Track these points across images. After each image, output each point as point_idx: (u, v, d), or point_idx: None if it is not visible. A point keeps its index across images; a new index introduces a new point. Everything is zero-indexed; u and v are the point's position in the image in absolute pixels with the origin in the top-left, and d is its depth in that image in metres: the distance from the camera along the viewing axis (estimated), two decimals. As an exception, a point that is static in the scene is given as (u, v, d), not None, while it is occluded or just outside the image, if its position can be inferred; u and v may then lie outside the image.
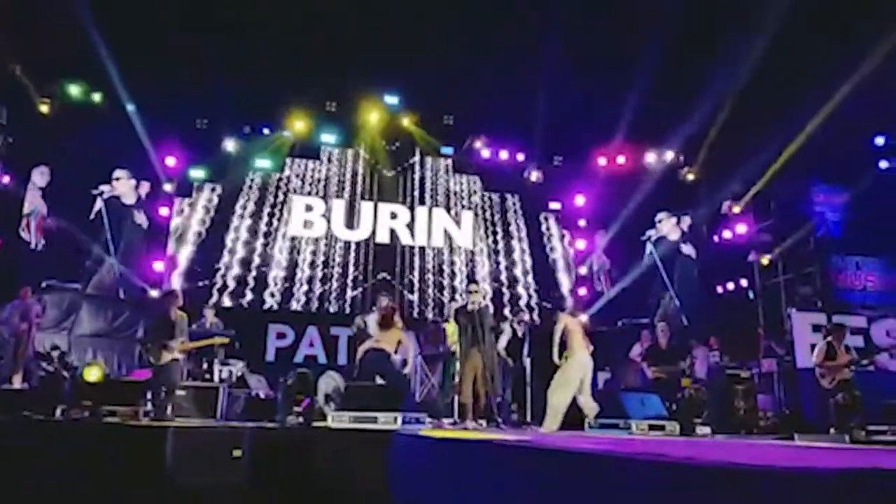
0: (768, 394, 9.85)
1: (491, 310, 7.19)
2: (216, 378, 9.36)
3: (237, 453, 4.67)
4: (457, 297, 14.04)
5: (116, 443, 4.76)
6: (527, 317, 11.76)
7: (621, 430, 5.76)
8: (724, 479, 1.53)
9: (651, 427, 5.81)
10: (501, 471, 3.20)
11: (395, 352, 7.40)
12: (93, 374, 5.86)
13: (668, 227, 15.57)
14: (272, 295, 14.38)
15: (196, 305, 11.03)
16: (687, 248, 15.55)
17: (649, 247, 15.56)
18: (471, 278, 14.29)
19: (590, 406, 6.73)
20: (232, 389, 8.55)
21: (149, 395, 7.43)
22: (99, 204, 13.27)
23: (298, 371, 6.52)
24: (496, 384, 6.78)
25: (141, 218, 13.76)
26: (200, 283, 13.91)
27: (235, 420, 7.66)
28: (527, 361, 8.84)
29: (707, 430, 5.69)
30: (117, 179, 13.46)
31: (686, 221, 15.69)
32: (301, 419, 5.76)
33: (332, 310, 14.43)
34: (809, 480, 1.36)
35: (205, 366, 9.16)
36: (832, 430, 6.83)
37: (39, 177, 13.16)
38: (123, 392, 6.54)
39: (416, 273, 15.23)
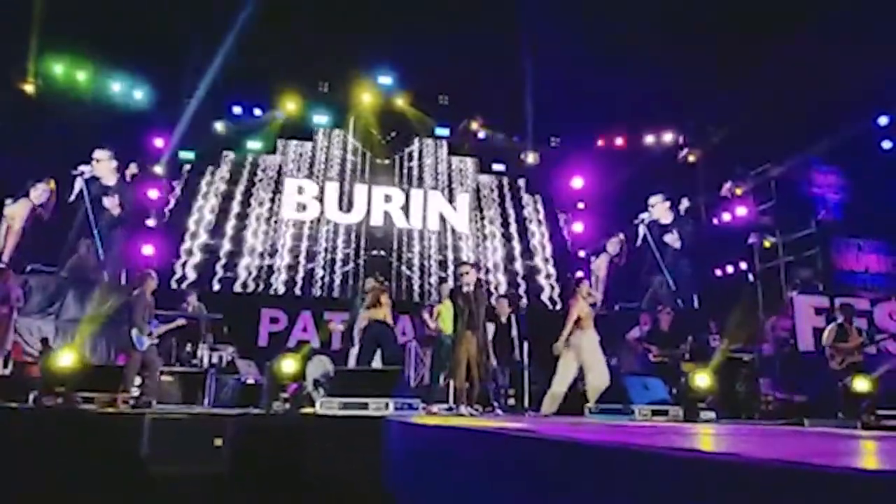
0: (770, 378, 9.66)
1: (485, 291, 6.92)
2: (205, 363, 9.12)
3: (218, 442, 4.43)
4: (449, 278, 13.75)
5: (88, 431, 4.49)
6: (519, 301, 11.49)
7: (623, 415, 5.52)
8: (791, 481, 1.28)
9: (654, 412, 5.56)
10: (499, 460, 2.97)
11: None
12: (63, 360, 5.56)
13: (661, 210, 15.30)
14: (264, 279, 14.13)
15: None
16: (679, 231, 15.29)
17: (642, 230, 15.32)
18: (460, 259, 14.00)
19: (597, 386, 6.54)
20: (220, 375, 8.31)
21: (137, 381, 7.21)
22: (79, 185, 12.90)
23: (283, 355, 6.24)
24: (490, 369, 6.54)
25: (113, 202, 13.32)
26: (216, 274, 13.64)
27: (223, 406, 7.42)
28: (522, 346, 8.60)
29: (712, 415, 5.47)
30: (97, 161, 13.07)
31: (685, 204, 15.44)
32: (287, 405, 5.47)
33: (325, 294, 14.18)
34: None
35: (192, 351, 8.90)
36: (840, 415, 6.63)
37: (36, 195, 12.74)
38: (101, 378, 6.26)
39: (411, 256, 14.97)
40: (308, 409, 5.53)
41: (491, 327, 8.13)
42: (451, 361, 6.60)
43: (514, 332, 8.70)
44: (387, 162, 15.61)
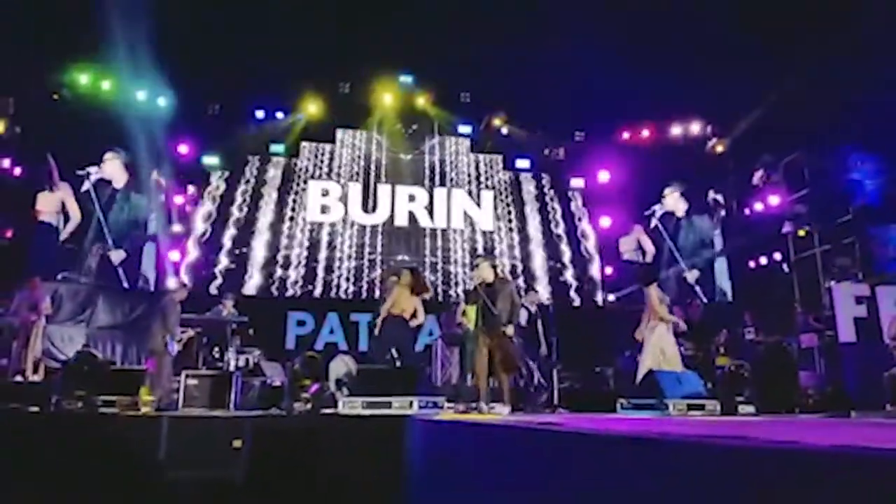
0: (809, 370, 9.34)
1: (509, 285, 6.70)
2: (231, 367, 9.09)
3: (237, 444, 4.34)
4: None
5: (107, 434, 4.44)
6: (540, 297, 11.23)
7: (656, 410, 5.29)
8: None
9: (690, 406, 5.32)
10: (530, 456, 2.82)
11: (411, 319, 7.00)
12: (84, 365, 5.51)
13: (673, 200, 14.97)
14: (291, 282, 14.12)
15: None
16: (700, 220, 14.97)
17: (654, 222, 15.00)
18: (476, 254, 13.80)
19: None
20: (246, 378, 8.26)
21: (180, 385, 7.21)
22: (86, 185, 13.02)
23: (306, 354, 6.15)
24: (517, 365, 6.34)
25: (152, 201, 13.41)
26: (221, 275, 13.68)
27: (249, 409, 7.37)
28: (546, 343, 8.38)
29: (751, 409, 5.20)
30: (105, 161, 13.17)
31: (714, 196, 15.10)
32: (309, 406, 5.35)
33: (351, 296, 14.12)
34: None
35: (218, 354, 8.88)
36: (888, 407, 6.34)
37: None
38: (122, 381, 6.23)
39: (437, 255, 14.84)
40: (330, 410, 5.41)
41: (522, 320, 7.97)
42: (471, 359, 6.43)
43: (541, 328, 8.49)
44: (409, 161, 15.52)
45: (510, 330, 6.27)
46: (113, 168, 13.35)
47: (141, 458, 4.26)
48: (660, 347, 6.91)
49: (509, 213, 15.60)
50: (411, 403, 4.87)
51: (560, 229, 15.61)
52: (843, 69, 12.27)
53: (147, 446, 4.31)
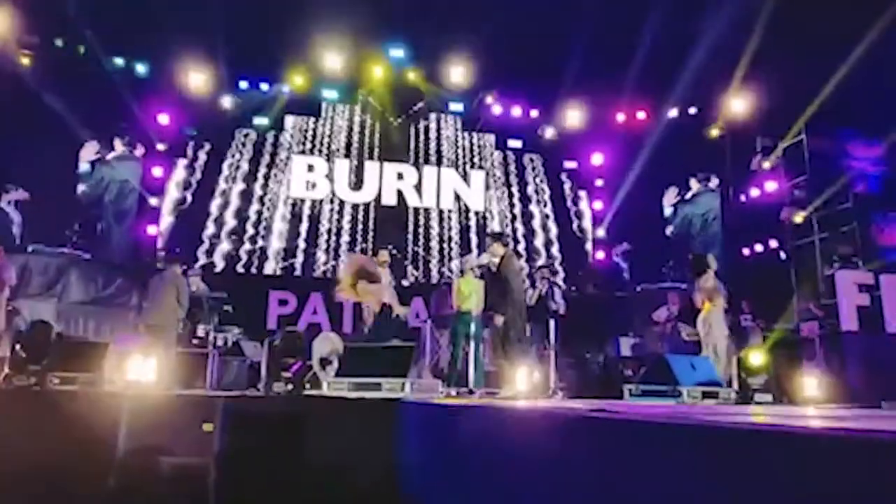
0: (811, 360, 9.04)
1: (517, 264, 6.29)
2: (209, 345, 8.63)
3: (208, 427, 3.89)
4: (471, 254, 13.13)
5: (61, 413, 3.97)
6: (550, 273, 10.80)
7: (669, 397, 4.90)
8: None
9: (705, 394, 4.94)
10: (537, 443, 2.42)
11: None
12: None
13: (699, 188, 14.72)
14: (273, 259, 13.63)
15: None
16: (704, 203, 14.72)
17: (668, 210, 14.65)
18: (491, 230, 13.29)
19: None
20: (225, 357, 7.80)
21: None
22: (85, 166, 12.42)
23: (287, 329, 5.69)
24: (525, 350, 5.93)
25: (128, 171, 12.86)
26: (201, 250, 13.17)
27: (226, 390, 6.91)
28: (548, 324, 7.99)
29: (768, 397, 4.84)
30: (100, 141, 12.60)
31: (714, 181, 14.80)
32: (290, 387, 4.86)
33: (335, 275, 13.64)
34: None
35: (191, 330, 8.39)
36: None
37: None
38: (83, 356, 5.69)
39: (425, 235, 14.40)
40: (314, 391, 4.94)
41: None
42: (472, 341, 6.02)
43: (554, 306, 8.10)
44: (398, 138, 15.02)
45: (499, 320, 5.87)
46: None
47: (97, 442, 3.80)
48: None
49: (500, 193, 15.18)
50: (403, 386, 4.43)
51: (553, 211, 15.24)
52: (844, 53, 11.98)
53: (107, 429, 3.85)
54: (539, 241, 14.90)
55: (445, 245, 14.37)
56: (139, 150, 13.37)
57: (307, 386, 4.93)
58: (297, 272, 13.66)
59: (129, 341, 7.09)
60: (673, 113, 15.17)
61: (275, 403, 4.43)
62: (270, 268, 13.58)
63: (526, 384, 5.32)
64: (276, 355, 4.84)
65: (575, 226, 15.24)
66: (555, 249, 14.90)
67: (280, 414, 4.00)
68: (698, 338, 8.24)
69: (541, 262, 13.49)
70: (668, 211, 15.03)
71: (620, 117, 15.29)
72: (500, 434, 2.69)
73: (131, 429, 3.83)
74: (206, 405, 4.05)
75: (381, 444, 3.52)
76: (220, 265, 13.27)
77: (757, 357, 5.16)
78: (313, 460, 3.58)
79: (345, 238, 14.03)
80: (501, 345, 5.81)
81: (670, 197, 14.90)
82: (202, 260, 13.12)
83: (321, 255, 13.87)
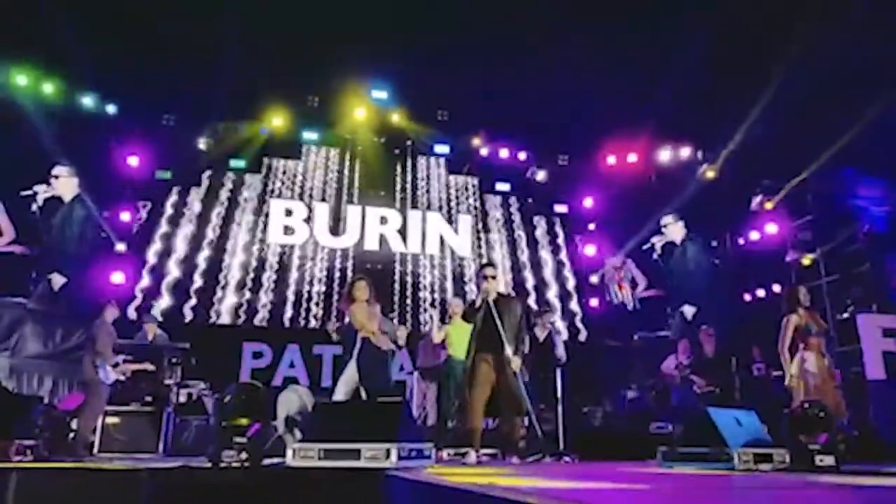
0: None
1: (517, 303, 5.50)
2: (172, 401, 7.69)
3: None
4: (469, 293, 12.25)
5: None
6: (553, 317, 10.01)
7: (717, 462, 4.00)
8: None
9: (756, 457, 4.05)
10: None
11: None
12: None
13: (676, 230, 14.02)
14: (246, 309, 12.72)
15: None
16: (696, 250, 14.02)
17: (655, 255, 14.03)
18: (487, 262, 12.48)
19: None
20: (182, 416, 6.87)
21: (73, 425, 5.86)
22: (34, 207, 11.53)
23: (241, 383, 4.76)
24: (524, 402, 5.07)
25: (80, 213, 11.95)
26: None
27: (183, 455, 5.99)
28: (555, 374, 7.14)
29: (831, 460, 3.98)
30: (56, 178, 11.71)
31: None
32: (244, 455, 3.87)
33: (314, 326, 12.74)
34: None
35: (144, 386, 7.44)
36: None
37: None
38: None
39: (413, 283, 13.58)
40: (276, 460, 3.98)
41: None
42: (463, 391, 5.18)
43: (557, 353, 7.27)
44: (382, 182, 14.36)
45: (516, 362, 5.08)
46: (63, 184, 11.86)
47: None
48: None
49: (488, 238, 14.49)
50: (388, 453, 3.49)
51: (542, 257, 14.55)
52: (843, 85, 11.63)
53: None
54: (530, 286, 14.13)
55: (428, 294, 13.55)
56: (105, 193, 12.55)
57: (268, 453, 4.03)
58: (273, 322, 12.73)
59: (69, 401, 6.19)
60: (665, 155, 14.72)
61: (224, 477, 3.50)
62: (245, 317, 12.65)
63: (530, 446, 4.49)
64: (227, 415, 3.92)
65: (567, 270, 14.52)
66: (552, 294, 14.12)
67: (229, 490, 3.10)
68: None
69: (535, 307, 12.68)
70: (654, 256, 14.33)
71: (611, 160, 14.80)
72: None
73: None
74: (127, 480, 3.11)
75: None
76: (188, 315, 12.32)
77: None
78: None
79: (322, 286, 13.16)
80: (508, 393, 5.00)
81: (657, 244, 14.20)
82: (165, 307, 12.18)
83: (297, 304, 12.98)
